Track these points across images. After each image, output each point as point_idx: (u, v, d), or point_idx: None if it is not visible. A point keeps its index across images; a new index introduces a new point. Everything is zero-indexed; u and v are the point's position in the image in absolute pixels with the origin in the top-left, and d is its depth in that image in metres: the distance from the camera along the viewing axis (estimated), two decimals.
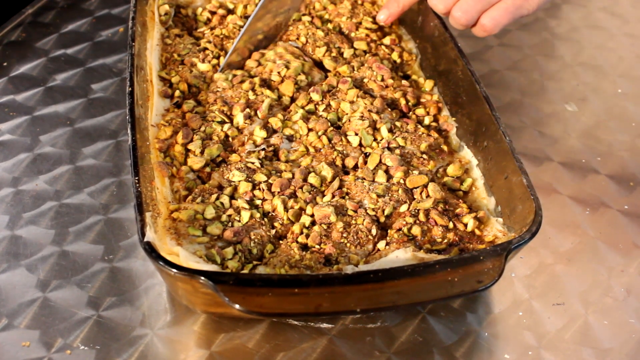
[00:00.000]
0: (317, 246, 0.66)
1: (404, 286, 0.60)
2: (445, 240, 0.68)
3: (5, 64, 0.94)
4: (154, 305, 0.69)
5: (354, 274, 0.60)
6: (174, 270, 0.58)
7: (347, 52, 0.86)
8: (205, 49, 0.85)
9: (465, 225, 0.69)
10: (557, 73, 0.98)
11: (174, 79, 0.81)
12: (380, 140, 0.76)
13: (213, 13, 0.91)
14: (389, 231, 0.69)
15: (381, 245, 0.67)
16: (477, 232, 0.68)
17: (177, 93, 0.80)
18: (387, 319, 0.68)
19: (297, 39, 0.88)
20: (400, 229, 0.68)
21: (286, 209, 0.69)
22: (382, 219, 0.70)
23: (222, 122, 0.76)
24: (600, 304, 0.71)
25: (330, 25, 0.90)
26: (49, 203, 0.78)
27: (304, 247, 0.67)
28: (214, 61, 0.83)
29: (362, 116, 0.77)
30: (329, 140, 0.76)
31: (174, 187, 0.71)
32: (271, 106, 0.78)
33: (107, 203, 0.78)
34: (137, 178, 0.64)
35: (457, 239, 0.68)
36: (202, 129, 0.75)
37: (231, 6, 0.92)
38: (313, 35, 0.87)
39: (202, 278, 0.57)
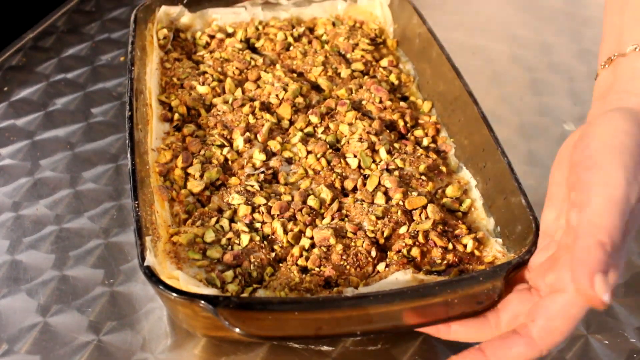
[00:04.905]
0: (317, 269, 0.66)
1: (405, 308, 0.60)
2: (445, 262, 0.68)
3: (5, 88, 0.95)
4: (155, 329, 0.69)
5: (355, 296, 0.60)
6: (174, 294, 0.58)
7: (345, 72, 0.87)
8: (205, 72, 0.85)
9: (465, 246, 0.69)
10: (555, 91, 0.98)
11: (174, 102, 0.81)
12: (379, 162, 0.76)
13: (212, 37, 0.92)
14: (388, 253, 0.69)
15: (381, 267, 0.67)
16: (477, 252, 0.69)
17: (176, 116, 0.80)
18: (388, 341, 0.68)
19: (294, 60, 0.88)
20: (399, 251, 0.68)
21: (286, 232, 0.69)
22: (382, 241, 0.70)
23: (221, 146, 0.77)
24: (600, 324, 0.71)
25: (327, 47, 0.91)
26: (49, 227, 0.78)
27: (304, 270, 0.67)
28: (214, 83, 0.83)
29: (360, 138, 0.78)
30: (328, 162, 0.76)
31: (174, 211, 0.71)
32: (271, 130, 0.79)
33: (108, 227, 0.78)
34: (136, 202, 0.64)
35: (456, 260, 0.68)
36: (202, 152, 0.76)
37: (230, 30, 0.93)
38: (310, 56, 0.88)
39: (202, 302, 0.57)
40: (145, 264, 0.60)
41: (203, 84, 0.83)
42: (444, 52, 0.83)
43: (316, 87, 0.86)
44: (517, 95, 0.98)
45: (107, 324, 0.69)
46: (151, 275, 0.59)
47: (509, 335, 0.57)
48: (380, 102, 0.83)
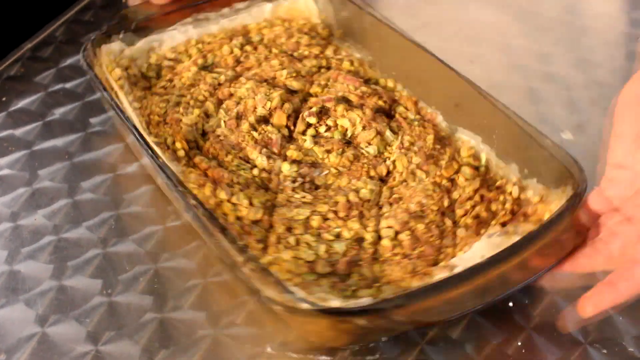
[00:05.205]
0: (415, 252, 0.69)
1: (533, 256, 0.64)
2: (508, 212, 0.72)
3: (4, 98, 0.95)
4: (153, 339, 0.69)
5: (500, 255, 0.62)
6: (346, 316, 0.59)
7: (304, 70, 0.88)
8: (179, 102, 0.83)
9: (511, 193, 0.73)
10: (552, 101, 0.98)
11: (169, 140, 0.79)
12: (392, 143, 0.79)
13: (159, 66, 0.89)
14: (457, 220, 0.72)
15: (461, 233, 0.71)
16: (523, 196, 0.73)
17: (181, 153, 0.77)
18: (386, 351, 0.68)
19: (252, 69, 0.88)
20: (465, 215, 0.72)
21: (365, 229, 0.71)
22: (446, 211, 0.73)
23: (247, 168, 0.76)
24: (599, 333, 0.71)
25: (275, 50, 0.91)
26: (47, 237, 0.78)
27: (406, 257, 0.69)
28: (196, 111, 0.82)
29: (364, 127, 0.80)
30: (355, 156, 0.78)
31: (246, 243, 0.69)
32: (269, 138, 0.79)
33: (106, 237, 0.78)
34: (244, 245, 0.64)
35: (515, 207, 0.72)
36: (234, 179, 0.74)
37: (172, 55, 0.90)
38: (265, 61, 0.88)
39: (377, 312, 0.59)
40: (298, 296, 0.59)
41: (186, 113, 0.82)
42: (395, 28, 0.86)
43: (288, 91, 0.86)
44: (515, 104, 0.97)
45: (106, 334, 0.69)
46: (318, 306, 0.59)
47: (632, 266, 0.63)
48: (356, 89, 0.84)
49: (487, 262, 0.62)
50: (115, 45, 0.86)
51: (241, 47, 0.91)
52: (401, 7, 1.14)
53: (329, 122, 0.81)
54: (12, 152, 0.88)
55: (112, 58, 0.87)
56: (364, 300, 0.63)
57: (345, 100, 0.83)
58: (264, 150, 0.77)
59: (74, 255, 0.76)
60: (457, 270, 0.65)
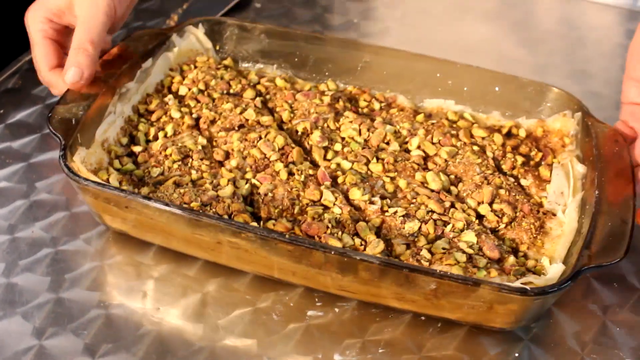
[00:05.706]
0: (518, 213, 0.75)
1: None
2: (536, 152, 0.81)
3: (1, 111, 0.95)
4: (151, 351, 0.69)
5: None
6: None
7: (256, 101, 0.86)
8: (194, 181, 0.77)
9: (518, 135, 0.83)
10: None
11: (236, 218, 0.72)
12: (398, 135, 0.82)
13: (131, 156, 0.82)
14: (510, 174, 0.79)
15: (524, 182, 0.79)
16: (528, 133, 0.84)
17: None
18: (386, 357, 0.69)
19: (215, 122, 0.84)
20: (513, 167, 0.80)
21: (467, 214, 0.74)
22: (498, 171, 0.79)
23: (326, 211, 0.73)
24: (596, 344, 0.71)
25: (215, 94, 0.88)
26: (45, 250, 0.78)
27: (514, 220, 0.75)
28: (223, 181, 0.76)
29: (368, 128, 0.82)
30: (395, 160, 0.79)
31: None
32: (310, 175, 0.78)
33: (103, 249, 0.78)
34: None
35: (535, 143, 0.82)
36: (328, 226, 0.71)
37: (124, 140, 0.83)
38: (223, 109, 0.85)
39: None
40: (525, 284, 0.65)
41: (216, 189, 0.75)
42: (303, 32, 0.92)
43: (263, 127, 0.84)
44: None
45: (103, 347, 0.69)
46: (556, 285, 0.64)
47: None
48: (322, 101, 0.86)
49: (599, 193, 0.71)
50: (82, 151, 0.77)
51: (182, 105, 0.87)
52: (397, 20, 1.14)
53: (337, 137, 0.81)
54: (9, 164, 0.88)
55: (88, 167, 0.77)
56: (555, 271, 0.67)
57: (333, 113, 0.84)
58: (321, 187, 0.75)
59: (72, 267, 0.76)
60: (563, 211, 0.74)
